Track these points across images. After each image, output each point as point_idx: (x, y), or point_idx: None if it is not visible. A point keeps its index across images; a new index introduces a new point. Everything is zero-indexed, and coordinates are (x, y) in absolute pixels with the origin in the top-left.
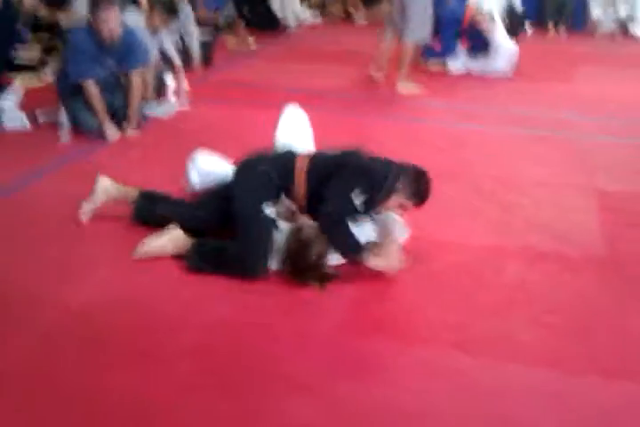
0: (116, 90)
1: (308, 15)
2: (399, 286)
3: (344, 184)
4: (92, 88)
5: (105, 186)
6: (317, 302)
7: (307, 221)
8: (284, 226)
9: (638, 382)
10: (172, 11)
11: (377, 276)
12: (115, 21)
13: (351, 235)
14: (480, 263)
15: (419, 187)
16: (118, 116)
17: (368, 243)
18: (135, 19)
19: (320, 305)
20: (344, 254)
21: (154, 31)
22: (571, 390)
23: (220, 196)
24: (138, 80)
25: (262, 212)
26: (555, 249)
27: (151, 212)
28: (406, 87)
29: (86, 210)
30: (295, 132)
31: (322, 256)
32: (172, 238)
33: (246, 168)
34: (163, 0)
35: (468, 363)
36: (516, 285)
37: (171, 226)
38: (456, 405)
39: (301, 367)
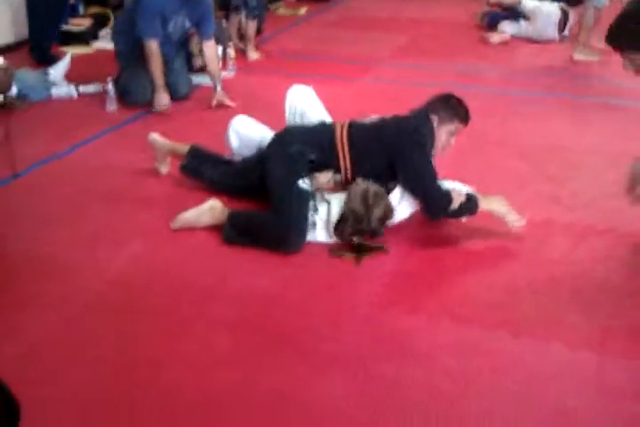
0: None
1: None
2: (440, 263)
3: (416, 166)
4: (155, 47)
5: (154, 139)
6: (356, 277)
7: (369, 185)
8: (330, 196)
9: None
10: None
11: (416, 251)
12: None
13: (447, 198)
14: (525, 239)
15: (452, 109)
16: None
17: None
18: None
19: (359, 280)
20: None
21: None
22: (611, 372)
23: (259, 165)
24: (214, 48)
25: (298, 186)
26: (605, 225)
27: (197, 171)
28: (584, 53)
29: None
30: (306, 109)
31: (384, 221)
32: (209, 209)
33: (280, 144)
34: None
35: (508, 342)
36: (561, 262)
37: (209, 199)
38: (495, 385)
39: (337, 344)
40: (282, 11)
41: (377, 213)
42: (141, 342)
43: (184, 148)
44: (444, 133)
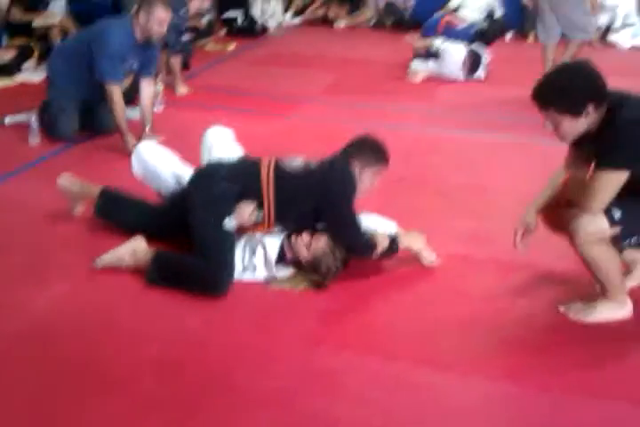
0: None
1: (288, 18)
2: (367, 298)
3: (343, 214)
4: (119, 91)
5: (65, 182)
6: (287, 314)
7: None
8: (262, 238)
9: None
10: None
11: (347, 286)
12: (167, 23)
13: (371, 242)
14: (449, 274)
15: (373, 152)
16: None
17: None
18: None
19: (290, 316)
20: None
21: None
22: (531, 405)
23: (179, 203)
24: (152, 86)
25: (223, 227)
26: (526, 260)
27: (111, 215)
28: None
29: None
30: (223, 151)
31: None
32: (131, 251)
33: (203, 180)
34: None
35: (432, 376)
36: (483, 297)
37: (135, 237)
38: (421, 420)
39: (269, 382)
40: (210, 46)
41: (341, 257)
42: (60, 392)
43: (96, 190)
44: (367, 177)
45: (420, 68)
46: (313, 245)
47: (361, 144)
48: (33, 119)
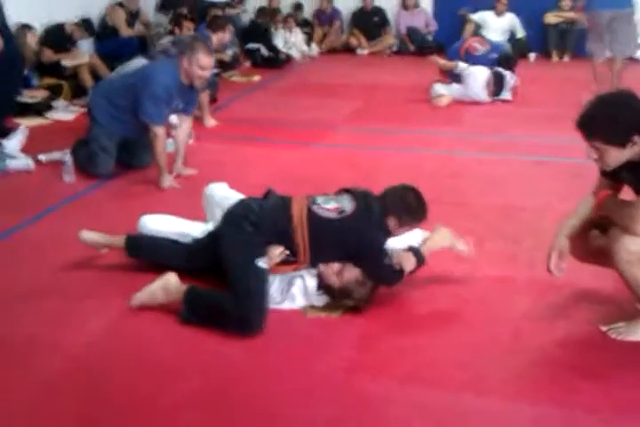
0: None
1: (310, 48)
2: (405, 322)
3: (377, 264)
4: (162, 132)
5: (87, 237)
6: (324, 341)
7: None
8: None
9: None
10: None
11: (383, 310)
12: (210, 68)
13: (400, 270)
14: (487, 297)
15: (412, 211)
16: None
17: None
18: (144, 63)
19: (327, 344)
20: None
21: None
22: None
23: (210, 242)
24: (190, 123)
25: (256, 266)
26: (564, 280)
27: (143, 254)
28: None
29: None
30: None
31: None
32: (163, 286)
33: (234, 222)
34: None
35: (475, 403)
36: (523, 318)
37: (166, 273)
38: None
39: (309, 411)
40: (236, 78)
41: (371, 286)
42: (104, 423)
43: (120, 240)
44: (402, 230)
45: (444, 92)
46: (346, 274)
47: (402, 201)
48: (67, 157)
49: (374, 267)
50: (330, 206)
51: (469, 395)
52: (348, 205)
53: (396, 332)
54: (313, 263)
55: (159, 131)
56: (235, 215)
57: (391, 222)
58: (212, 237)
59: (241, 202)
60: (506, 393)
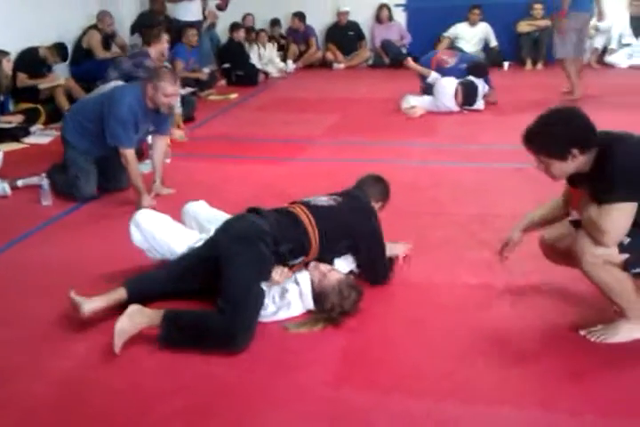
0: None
1: (286, 64)
2: (387, 333)
3: (376, 251)
4: (133, 155)
5: (90, 307)
6: (308, 355)
7: (339, 276)
8: (296, 276)
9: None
10: None
11: (365, 322)
12: (176, 97)
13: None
14: (467, 304)
15: (381, 189)
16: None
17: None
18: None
19: (312, 358)
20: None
21: None
22: None
23: (195, 267)
24: (164, 143)
25: (259, 287)
26: (542, 284)
27: (148, 298)
28: None
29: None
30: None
31: (356, 304)
32: (130, 317)
33: (248, 243)
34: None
35: (460, 410)
36: (505, 326)
37: (130, 306)
38: None
39: (293, 425)
40: (213, 97)
41: (351, 299)
42: None
43: (121, 294)
44: (378, 211)
45: (415, 104)
46: (328, 276)
47: (370, 182)
48: (44, 181)
49: (376, 248)
50: (323, 198)
51: (454, 403)
52: (336, 197)
53: (378, 343)
54: (321, 256)
55: (129, 154)
56: (247, 234)
57: (374, 206)
58: (206, 254)
59: (244, 219)
60: (490, 399)
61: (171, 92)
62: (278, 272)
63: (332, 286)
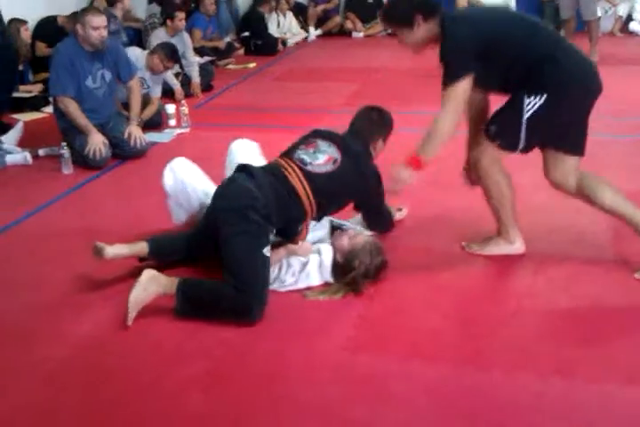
0: (113, 117)
1: (306, 32)
2: (404, 302)
3: (376, 201)
4: (71, 102)
5: (112, 252)
6: (325, 322)
7: (367, 238)
8: (317, 246)
9: None
10: (173, 57)
11: (383, 291)
12: (105, 28)
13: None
14: (487, 273)
15: (385, 126)
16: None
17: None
18: (137, 54)
19: (328, 325)
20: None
21: (155, 72)
22: (587, 399)
23: (206, 231)
24: (137, 84)
25: (262, 255)
26: (564, 253)
27: (165, 252)
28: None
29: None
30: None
31: (381, 269)
32: (152, 278)
33: (237, 212)
34: (163, 46)
35: (478, 377)
36: (524, 292)
37: (143, 273)
38: (471, 422)
39: (311, 391)
40: (232, 66)
41: (377, 262)
42: (110, 408)
43: (142, 247)
44: (381, 146)
45: None
46: (358, 237)
47: (369, 122)
48: (64, 150)
49: (377, 200)
50: (321, 161)
51: (470, 369)
52: (332, 151)
53: (394, 310)
54: (319, 217)
55: (62, 101)
56: (237, 203)
57: (372, 149)
58: (207, 220)
59: (235, 184)
60: (507, 366)
61: (97, 24)
62: (302, 246)
63: (362, 244)
